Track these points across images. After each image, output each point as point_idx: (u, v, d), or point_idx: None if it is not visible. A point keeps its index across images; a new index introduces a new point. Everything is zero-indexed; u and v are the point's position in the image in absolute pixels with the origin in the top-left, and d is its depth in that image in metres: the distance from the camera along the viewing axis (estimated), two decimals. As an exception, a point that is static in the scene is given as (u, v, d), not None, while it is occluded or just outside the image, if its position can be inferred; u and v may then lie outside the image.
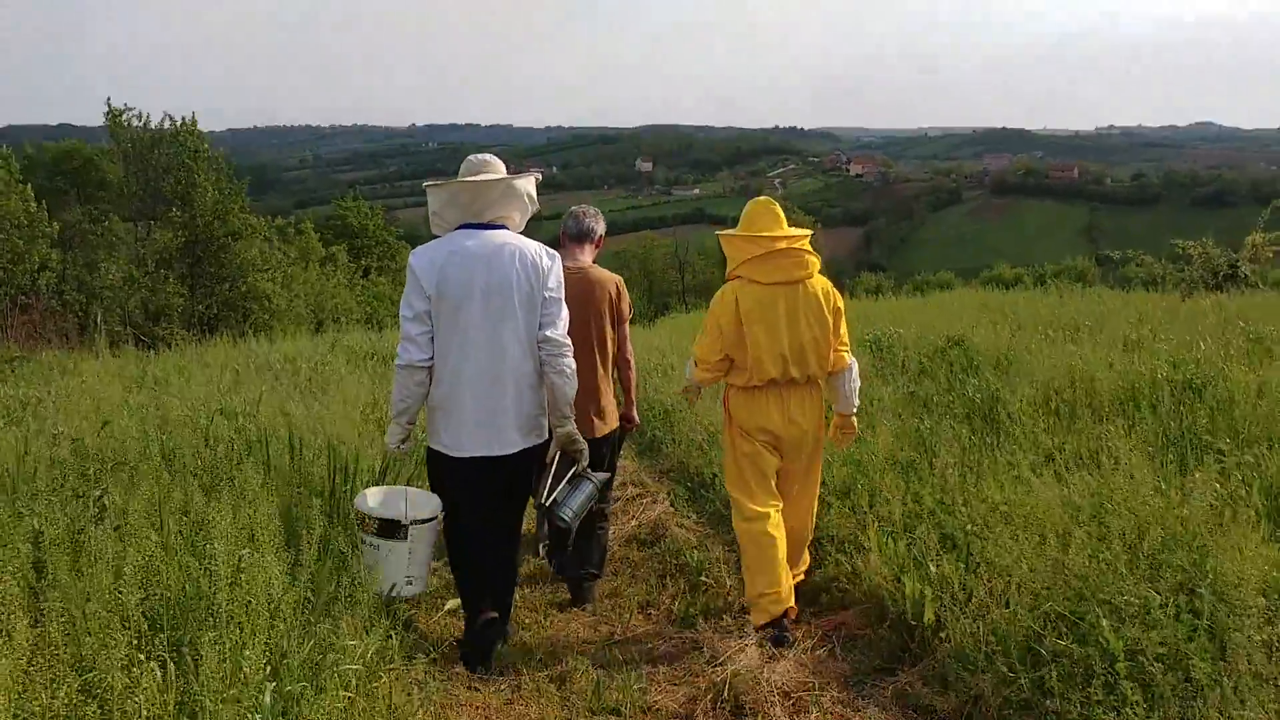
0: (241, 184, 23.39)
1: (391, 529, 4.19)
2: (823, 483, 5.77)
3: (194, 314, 22.17)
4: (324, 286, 33.63)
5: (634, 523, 6.57)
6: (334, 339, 14.00)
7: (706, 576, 5.19)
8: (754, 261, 4.59)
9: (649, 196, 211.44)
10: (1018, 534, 4.20)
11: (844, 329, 4.77)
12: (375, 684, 3.34)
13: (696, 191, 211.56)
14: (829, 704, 3.83)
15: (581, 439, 4.35)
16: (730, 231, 4.78)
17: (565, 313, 4.22)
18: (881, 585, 4.46)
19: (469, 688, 4.06)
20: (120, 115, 21.99)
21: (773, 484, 4.72)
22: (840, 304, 4.73)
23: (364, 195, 56.86)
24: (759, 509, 4.61)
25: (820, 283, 4.65)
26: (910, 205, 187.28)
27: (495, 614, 4.30)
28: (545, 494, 4.37)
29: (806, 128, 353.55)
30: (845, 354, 4.79)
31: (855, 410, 4.96)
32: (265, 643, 2.98)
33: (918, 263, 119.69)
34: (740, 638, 4.48)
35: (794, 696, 3.89)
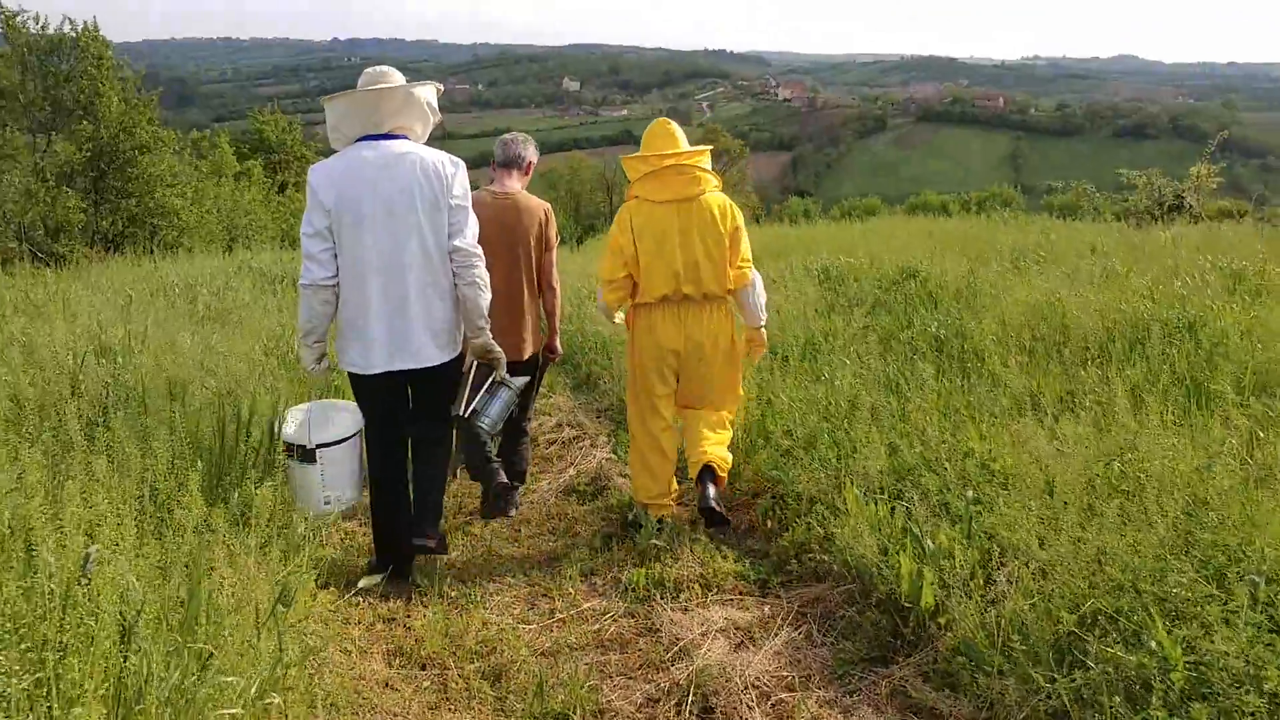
0: (151, 95, 21.90)
1: (301, 452, 4.27)
2: (788, 432, 5.25)
3: (97, 230, 20.86)
4: (238, 202, 32.30)
5: (572, 470, 5.92)
6: (242, 260, 13.03)
7: (659, 541, 4.55)
8: (647, 179, 4.67)
9: (576, 117, 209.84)
10: (1028, 503, 3.63)
11: (744, 246, 4.76)
12: (268, 704, 2.67)
13: (624, 113, 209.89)
14: (815, 706, 3.22)
15: (498, 348, 4.29)
16: (634, 154, 4.82)
17: (474, 221, 4.16)
18: (866, 558, 3.86)
19: (386, 686, 3.40)
20: (14, 18, 20.32)
21: (666, 407, 4.83)
22: (739, 222, 4.73)
23: (285, 110, 54.92)
24: (652, 438, 4.79)
25: (715, 200, 4.67)
26: (837, 131, 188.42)
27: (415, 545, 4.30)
28: (464, 404, 4.38)
29: (736, 50, 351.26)
30: (747, 270, 4.78)
31: (764, 323, 4.98)
32: (113, 676, 2.28)
33: (843, 188, 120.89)
34: (705, 616, 3.89)
35: (772, 697, 3.29)
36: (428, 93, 4.17)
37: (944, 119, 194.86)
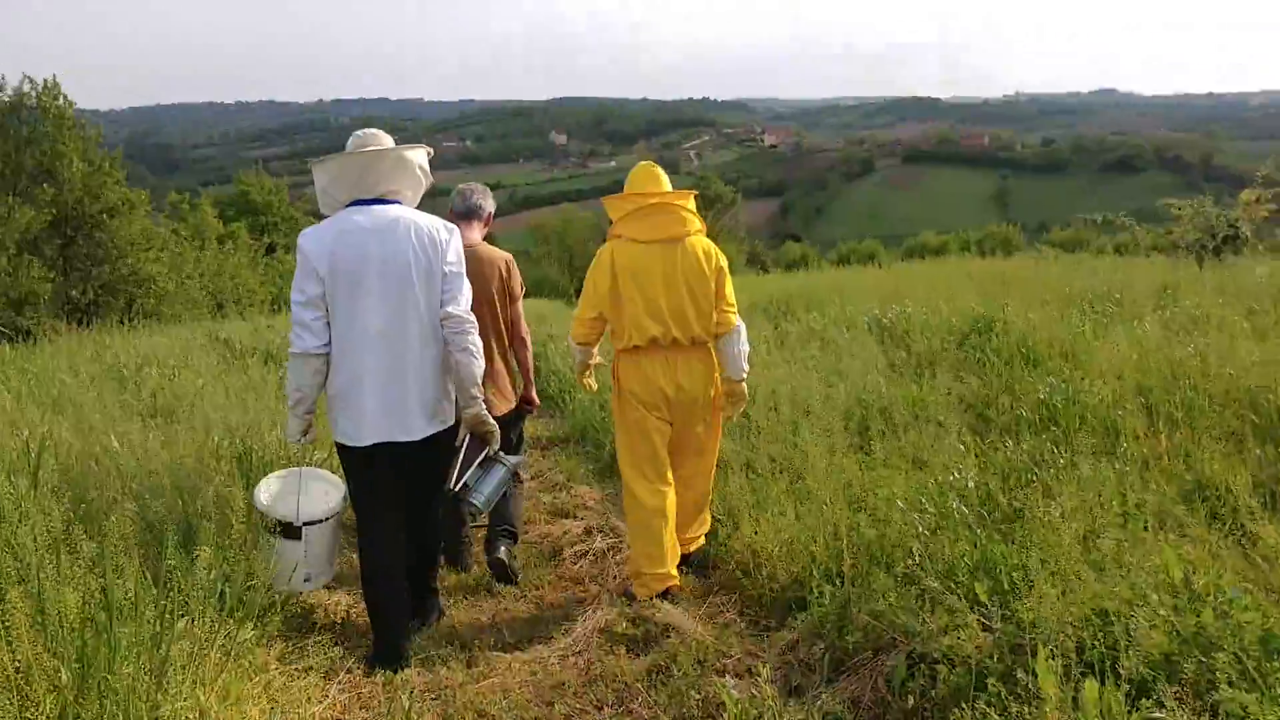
0: (114, 154, 20.65)
1: (286, 529, 4.12)
2: (897, 550, 3.94)
3: (68, 300, 19.52)
4: (222, 266, 31.13)
5: (610, 604, 4.56)
6: (211, 330, 11.65)
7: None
8: (630, 218, 4.59)
9: (565, 169, 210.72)
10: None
11: (728, 289, 4.67)
12: None
13: (613, 164, 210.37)
14: None
15: (492, 420, 4.10)
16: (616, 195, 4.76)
17: (468, 287, 4.06)
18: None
19: None
20: None
21: (664, 458, 4.68)
22: (723, 264, 4.65)
23: (274, 172, 54.26)
24: (650, 493, 4.60)
25: (700, 243, 4.61)
26: (824, 175, 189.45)
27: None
28: (455, 479, 4.30)
29: (720, 99, 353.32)
30: (731, 315, 4.67)
31: (744, 376, 4.79)
32: None
33: (834, 232, 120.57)
34: None
35: None
36: (419, 156, 4.07)
37: (931, 159, 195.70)
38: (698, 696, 3.53)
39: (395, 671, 3.89)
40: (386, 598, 4.08)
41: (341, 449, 4.04)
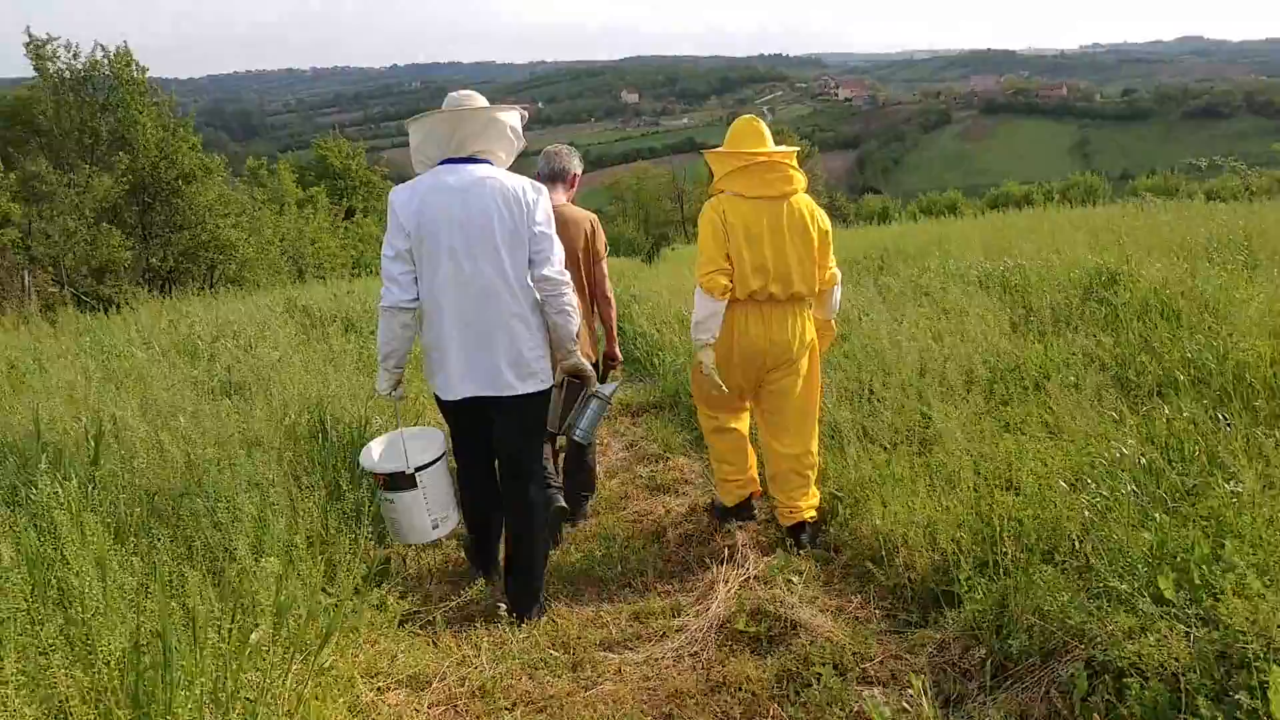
0: (186, 119, 20.50)
1: (400, 480, 4.12)
2: (1059, 538, 3.45)
3: (148, 268, 19.48)
4: (302, 231, 31.14)
5: (727, 594, 4.09)
6: (290, 297, 11.36)
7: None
8: (737, 174, 4.54)
9: (637, 128, 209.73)
10: None
11: (831, 249, 4.70)
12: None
13: (685, 121, 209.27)
14: None
15: (588, 366, 4.24)
16: (716, 148, 4.74)
17: (559, 248, 4.02)
18: None
19: None
20: (44, 46, 18.96)
21: (738, 405, 4.85)
22: (827, 226, 4.65)
23: (349, 137, 54.40)
24: (727, 417, 4.85)
25: (805, 202, 4.60)
26: (901, 128, 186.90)
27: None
28: (559, 421, 4.43)
29: (792, 54, 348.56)
30: (836, 271, 4.78)
31: (834, 316, 5.02)
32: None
33: (912, 184, 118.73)
34: None
35: None
36: (512, 117, 4.08)
37: (1008, 110, 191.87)
38: (841, 713, 3.07)
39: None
40: (483, 540, 4.35)
41: (438, 400, 4.13)
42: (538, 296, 3.96)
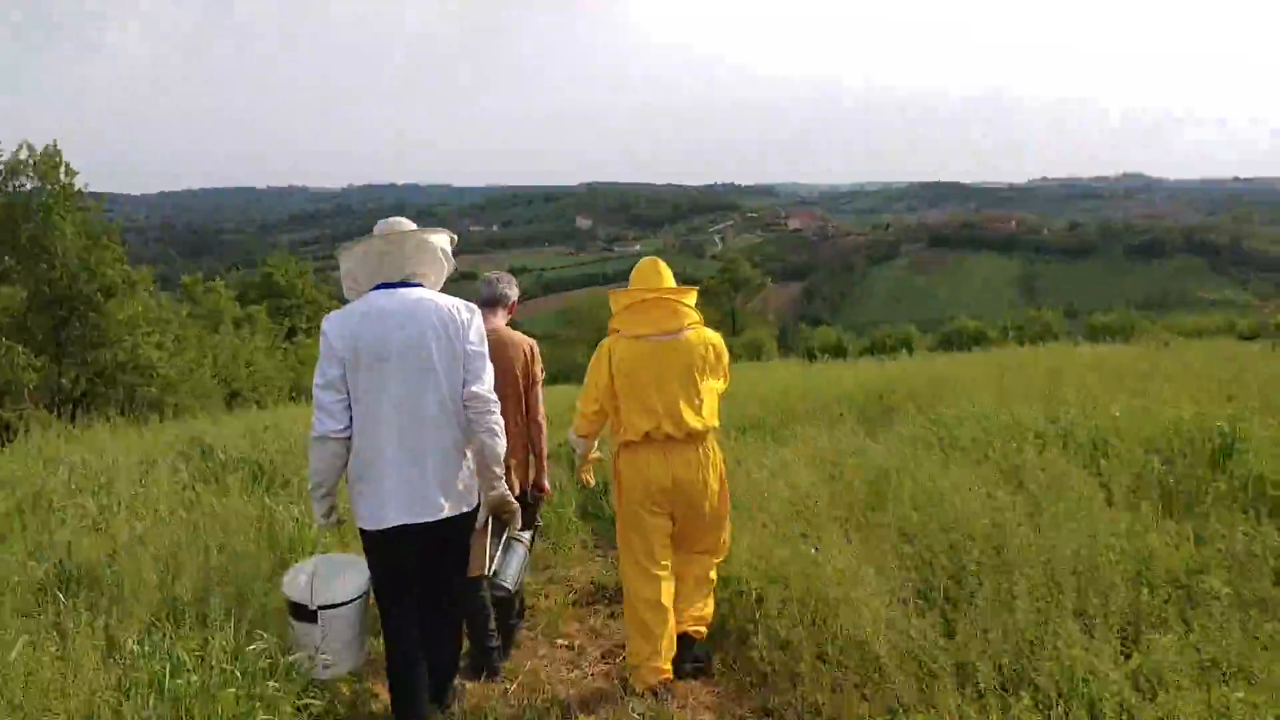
0: (113, 227, 18.80)
1: (301, 611, 4.06)
2: None
3: (58, 390, 17.60)
4: (237, 352, 29.39)
5: None
6: (196, 434, 9.48)
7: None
8: (626, 312, 4.67)
9: (591, 253, 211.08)
10: None
11: (723, 368, 4.74)
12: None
13: (638, 248, 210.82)
14: None
15: (514, 501, 4.22)
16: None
17: (490, 368, 4.06)
18: None
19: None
20: None
21: (661, 551, 4.64)
22: (721, 347, 4.72)
23: (303, 256, 53.30)
24: (645, 583, 4.59)
25: (700, 335, 4.64)
26: (850, 259, 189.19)
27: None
28: (488, 562, 4.50)
29: (745, 184, 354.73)
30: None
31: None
32: None
33: (861, 316, 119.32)
34: None
35: None
36: (442, 239, 4.14)
37: (957, 243, 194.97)
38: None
39: None
40: (408, 684, 4.05)
41: (363, 534, 4.00)
42: (468, 417, 3.93)
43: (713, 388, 4.66)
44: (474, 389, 3.91)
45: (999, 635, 3.75)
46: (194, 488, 6.37)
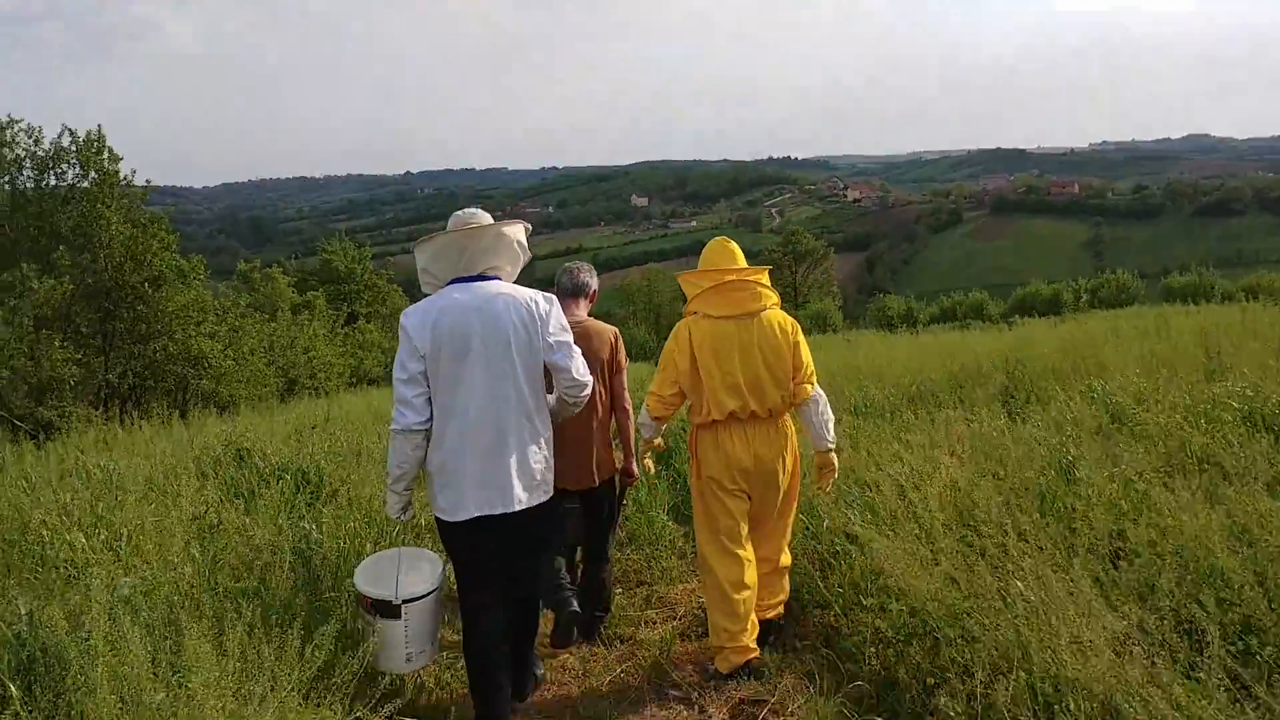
0: (162, 215, 17.86)
1: (384, 607, 4.06)
2: None
3: (105, 385, 16.76)
4: (295, 339, 28.58)
5: None
6: (231, 435, 8.37)
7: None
8: (706, 294, 4.66)
9: (647, 231, 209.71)
10: None
11: (806, 359, 4.69)
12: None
13: (694, 224, 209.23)
14: None
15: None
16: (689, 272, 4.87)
17: (578, 351, 4.09)
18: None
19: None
20: (4, 130, 16.46)
21: (742, 531, 4.65)
22: (800, 337, 4.70)
23: (358, 241, 52.73)
24: (728, 565, 4.59)
25: (776, 316, 4.68)
26: (911, 228, 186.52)
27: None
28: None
29: (800, 157, 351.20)
30: (808, 386, 4.71)
31: (832, 445, 4.84)
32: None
33: (923, 284, 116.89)
34: None
35: None
36: (518, 231, 4.14)
37: (1019, 209, 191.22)
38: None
39: None
40: (489, 671, 4.05)
41: (441, 524, 4.02)
42: (557, 402, 4.09)
43: (798, 365, 4.63)
44: (575, 375, 4.00)
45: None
46: (217, 512, 5.32)
